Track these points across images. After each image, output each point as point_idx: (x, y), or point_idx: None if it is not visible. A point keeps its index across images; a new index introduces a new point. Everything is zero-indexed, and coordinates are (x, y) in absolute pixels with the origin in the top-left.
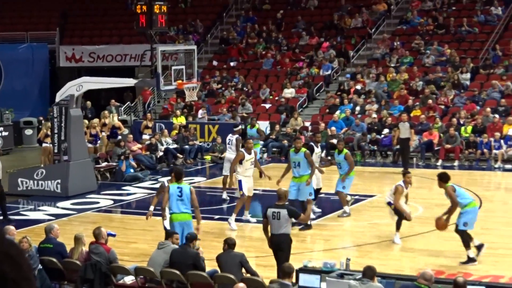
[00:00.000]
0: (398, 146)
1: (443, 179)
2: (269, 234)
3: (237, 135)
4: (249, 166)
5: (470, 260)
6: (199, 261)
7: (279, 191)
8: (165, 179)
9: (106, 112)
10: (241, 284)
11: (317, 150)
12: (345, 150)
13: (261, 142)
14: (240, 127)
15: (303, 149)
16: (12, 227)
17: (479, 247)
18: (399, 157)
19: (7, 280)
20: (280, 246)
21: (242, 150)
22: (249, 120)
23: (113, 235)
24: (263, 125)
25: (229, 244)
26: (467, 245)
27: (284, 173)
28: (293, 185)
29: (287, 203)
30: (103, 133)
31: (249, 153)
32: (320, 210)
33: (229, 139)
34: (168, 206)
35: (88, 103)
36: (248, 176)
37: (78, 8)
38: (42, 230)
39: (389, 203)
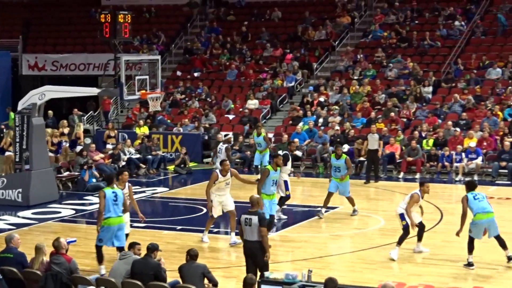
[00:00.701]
0: (362, 159)
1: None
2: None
3: (226, 144)
4: (223, 187)
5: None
6: (160, 272)
7: (252, 198)
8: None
9: (65, 121)
10: None
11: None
12: (344, 155)
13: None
14: (230, 136)
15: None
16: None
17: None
18: (364, 168)
19: None
20: (253, 253)
21: (217, 171)
22: (255, 128)
23: (73, 241)
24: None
25: (191, 255)
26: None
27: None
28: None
29: (259, 210)
30: (65, 143)
31: (224, 175)
32: (286, 217)
33: (220, 148)
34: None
35: (50, 112)
36: (222, 195)
37: (41, 16)
38: (2, 239)
39: (401, 215)
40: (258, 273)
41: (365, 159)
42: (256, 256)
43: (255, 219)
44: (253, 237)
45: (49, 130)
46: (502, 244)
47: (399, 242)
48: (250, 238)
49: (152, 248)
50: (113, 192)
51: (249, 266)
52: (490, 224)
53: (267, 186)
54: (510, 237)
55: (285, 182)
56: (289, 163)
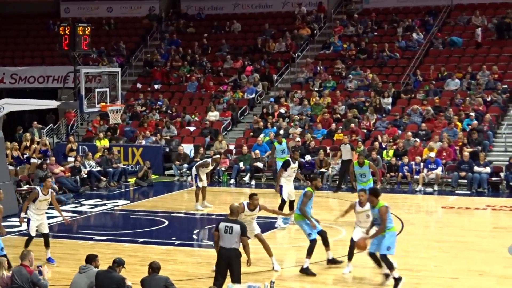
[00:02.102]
0: (323, 170)
1: (376, 194)
2: (218, 247)
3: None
4: (249, 220)
5: (398, 280)
6: (123, 286)
7: (232, 206)
8: (38, 187)
9: (28, 134)
10: None
11: (293, 165)
12: (367, 161)
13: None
14: (217, 156)
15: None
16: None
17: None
18: (325, 179)
19: None
20: (230, 260)
21: (244, 203)
22: (276, 136)
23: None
24: (187, 148)
25: (153, 268)
26: (390, 267)
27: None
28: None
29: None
30: (34, 159)
31: (252, 209)
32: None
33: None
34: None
35: (19, 127)
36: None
37: None
38: None
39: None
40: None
41: (325, 170)
42: (233, 264)
43: (237, 227)
44: (231, 244)
45: (8, 143)
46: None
47: (349, 257)
48: (227, 246)
49: (119, 263)
50: None
51: (221, 273)
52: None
53: (307, 207)
54: (469, 246)
55: (281, 186)
56: (290, 169)
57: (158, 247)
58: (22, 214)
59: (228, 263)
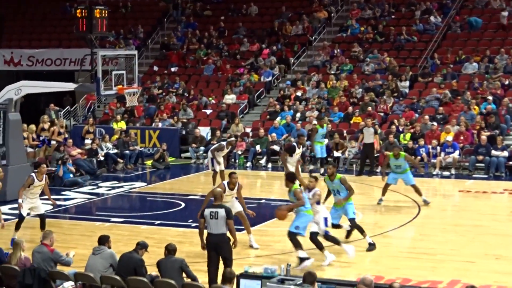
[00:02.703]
0: (338, 154)
1: (290, 179)
2: (204, 235)
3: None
4: (229, 200)
5: (303, 259)
6: (140, 268)
7: (215, 191)
8: (33, 174)
9: (45, 116)
10: None
11: (298, 150)
12: (403, 154)
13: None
14: (232, 139)
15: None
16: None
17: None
18: (341, 163)
19: None
20: (219, 246)
21: (224, 183)
22: (320, 119)
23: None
24: (204, 131)
25: (170, 249)
26: (297, 246)
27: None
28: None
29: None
30: (54, 141)
31: (232, 188)
32: None
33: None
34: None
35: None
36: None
37: (16, 11)
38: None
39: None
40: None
41: (341, 154)
42: (222, 248)
43: (222, 211)
44: (218, 230)
45: (25, 125)
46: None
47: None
48: (215, 232)
49: (142, 245)
50: None
51: (212, 260)
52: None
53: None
54: (486, 230)
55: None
56: (295, 155)
57: (174, 229)
58: (19, 200)
59: (217, 249)
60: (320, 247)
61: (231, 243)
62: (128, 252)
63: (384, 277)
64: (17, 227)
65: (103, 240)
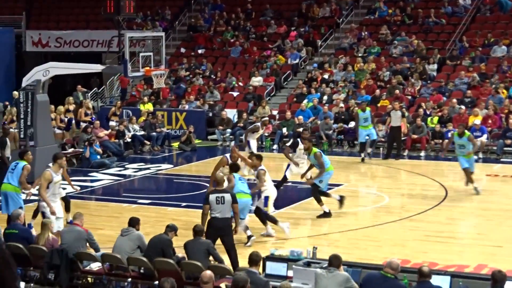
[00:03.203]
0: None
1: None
2: (207, 219)
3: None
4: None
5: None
6: (167, 248)
7: (217, 177)
8: (49, 168)
9: (70, 98)
10: (208, 272)
11: (301, 146)
12: (467, 133)
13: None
14: (266, 119)
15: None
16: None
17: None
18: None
19: (5, 284)
20: (224, 230)
21: (226, 156)
22: (360, 103)
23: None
24: (231, 113)
25: (197, 231)
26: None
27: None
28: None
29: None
30: (82, 123)
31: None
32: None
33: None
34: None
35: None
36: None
37: None
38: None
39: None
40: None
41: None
42: (225, 232)
43: (228, 196)
44: (224, 214)
45: (52, 107)
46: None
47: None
48: (222, 216)
49: (172, 228)
50: (15, 163)
51: (224, 242)
52: None
53: None
54: None
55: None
56: (298, 150)
57: (201, 211)
58: (32, 190)
59: (221, 234)
60: (273, 220)
61: (233, 228)
62: (158, 234)
63: (411, 261)
64: (35, 215)
65: (134, 222)
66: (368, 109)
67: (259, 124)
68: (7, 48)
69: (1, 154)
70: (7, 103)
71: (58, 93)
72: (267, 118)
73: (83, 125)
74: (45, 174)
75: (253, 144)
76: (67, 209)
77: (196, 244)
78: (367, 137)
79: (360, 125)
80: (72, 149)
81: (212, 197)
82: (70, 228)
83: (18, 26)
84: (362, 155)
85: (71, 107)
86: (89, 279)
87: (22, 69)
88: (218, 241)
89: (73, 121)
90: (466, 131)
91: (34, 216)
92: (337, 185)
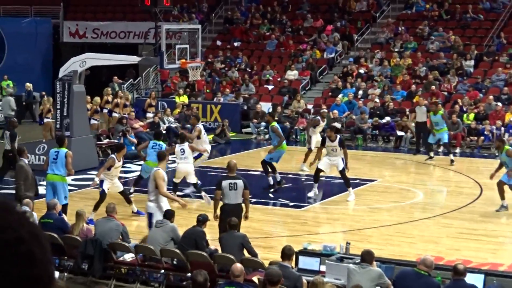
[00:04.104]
0: (401, 133)
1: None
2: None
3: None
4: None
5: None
6: (200, 239)
7: (230, 163)
8: (113, 155)
9: (109, 89)
10: (239, 265)
11: (330, 143)
12: (441, 111)
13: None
14: (317, 118)
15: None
16: (29, 200)
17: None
18: (403, 142)
19: (35, 261)
20: (235, 215)
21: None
22: (432, 106)
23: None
24: (265, 106)
25: (231, 225)
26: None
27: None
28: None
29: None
30: (116, 114)
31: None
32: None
33: (181, 149)
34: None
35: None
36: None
37: None
38: (41, 205)
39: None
40: None
41: (403, 133)
42: (238, 218)
43: (240, 182)
44: (237, 200)
45: (88, 97)
46: None
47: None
48: (234, 202)
49: (203, 219)
50: (55, 152)
51: (223, 230)
52: None
53: None
54: None
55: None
56: (327, 147)
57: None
58: (96, 179)
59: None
60: None
61: (243, 213)
62: (192, 226)
63: (444, 258)
64: (96, 207)
65: (169, 215)
66: (440, 112)
67: (318, 117)
68: (45, 39)
69: (11, 147)
70: (43, 93)
71: (94, 84)
72: (325, 110)
73: (116, 115)
74: (109, 160)
75: (314, 139)
76: (128, 201)
77: (231, 237)
78: (437, 140)
79: (434, 129)
80: (107, 140)
81: (225, 183)
82: (106, 220)
83: (56, 17)
84: (431, 153)
85: (110, 98)
86: (122, 269)
87: (59, 60)
88: (255, 233)
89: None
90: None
91: (96, 208)
92: (371, 181)
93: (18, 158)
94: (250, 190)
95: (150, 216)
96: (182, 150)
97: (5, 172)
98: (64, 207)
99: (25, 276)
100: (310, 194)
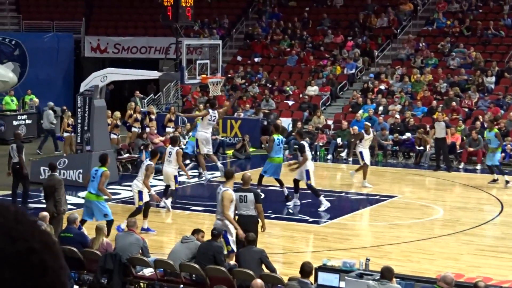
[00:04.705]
0: (421, 148)
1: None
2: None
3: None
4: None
5: None
6: (219, 255)
7: (244, 176)
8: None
9: (132, 103)
10: (259, 281)
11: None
12: (495, 129)
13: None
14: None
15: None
16: (46, 213)
17: None
18: (424, 157)
19: (47, 269)
20: (247, 226)
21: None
22: (489, 123)
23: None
24: (286, 122)
25: (249, 240)
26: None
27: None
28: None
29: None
30: (135, 128)
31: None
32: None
33: (169, 151)
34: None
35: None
36: None
37: None
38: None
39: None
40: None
41: (422, 148)
42: (249, 230)
43: (250, 195)
44: (248, 212)
45: (117, 113)
46: None
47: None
48: (245, 213)
49: (218, 232)
50: (95, 170)
51: (240, 240)
52: None
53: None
54: None
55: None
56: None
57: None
58: (152, 192)
59: (245, 229)
60: None
61: (259, 225)
62: (207, 241)
63: (465, 275)
64: (146, 215)
65: (196, 232)
66: (495, 130)
67: (362, 131)
68: (66, 53)
69: (19, 159)
70: (65, 107)
71: (117, 99)
72: (369, 124)
73: (135, 130)
74: (149, 168)
75: (366, 154)
76: (145, 215)
77: (249, 252)
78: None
79: (490, 147)
80: (128, 154)
81: (237, 195)
82: (126, 234)
83: (78, 32)
84: (494, 176)
85: (133, 112)
86: (141, 284)
87: (81, 74)
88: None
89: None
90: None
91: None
92: (391, 197)
93: (50, 173)
94: (270, 205)
95: (224, 234)
96: (169, 153)
97: (17, 186)
98: (109, 224)
99: (37, 285)
100: (290, 204)
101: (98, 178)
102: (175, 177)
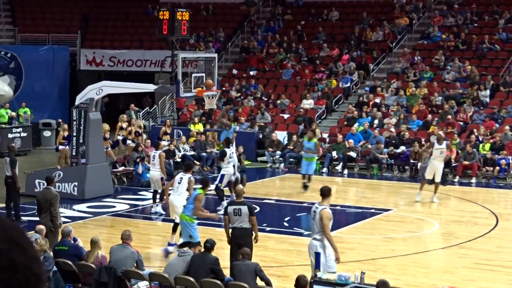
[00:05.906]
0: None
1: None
2: (229, 230)
3: (160, 151)
4: None
5: None
6: (217, 267)
7: (237, 189)
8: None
9: (124, 116)
10: None
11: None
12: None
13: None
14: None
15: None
16: (42, 227)
17: None
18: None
19: (17, 266)
20: (241, 239)
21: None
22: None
23: None
24: (281, 135)
25: (244, 254)
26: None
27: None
28: None
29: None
30: (130, 141)
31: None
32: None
33: (153, 155)
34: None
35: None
36: None
37: (99, 12)
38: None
39: None
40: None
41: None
42: (244, 243)
43: (244, 208)
44: (242, 225)
45: (105, 125)
46: None
47: None
48: (239, 226)
49: (211, 244)
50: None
51: (234, 253)
52: None
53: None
54: None
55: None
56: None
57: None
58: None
59: (239, 242)
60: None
61: (253, 237)
62: (200, 253)
63: None
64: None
65: (192, 246)
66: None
67: (433, 140)
68: (62, 66)
69: (12, 173)
70: (60, 120)
71: (112, 112)
72: (441, 133)
73: (130, 143)
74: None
75: (438, 165)
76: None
77: (244, 265)
78: None
79: None
80: (123, 167)
81: (230, 208)
82: (121, 247)
83: (73, 45)
84: None
85: (124, 125)
86: None
87: (76, 87)
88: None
89: (129, 142)
90: None
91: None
92: (386, 210)
93: (46, 187)
94: (265, 219)
95: (317, 256)
96: (153, 157)
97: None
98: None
99: (11, 284)
100: (219, 207)
101: (191, 201)
102: (162, 179)
